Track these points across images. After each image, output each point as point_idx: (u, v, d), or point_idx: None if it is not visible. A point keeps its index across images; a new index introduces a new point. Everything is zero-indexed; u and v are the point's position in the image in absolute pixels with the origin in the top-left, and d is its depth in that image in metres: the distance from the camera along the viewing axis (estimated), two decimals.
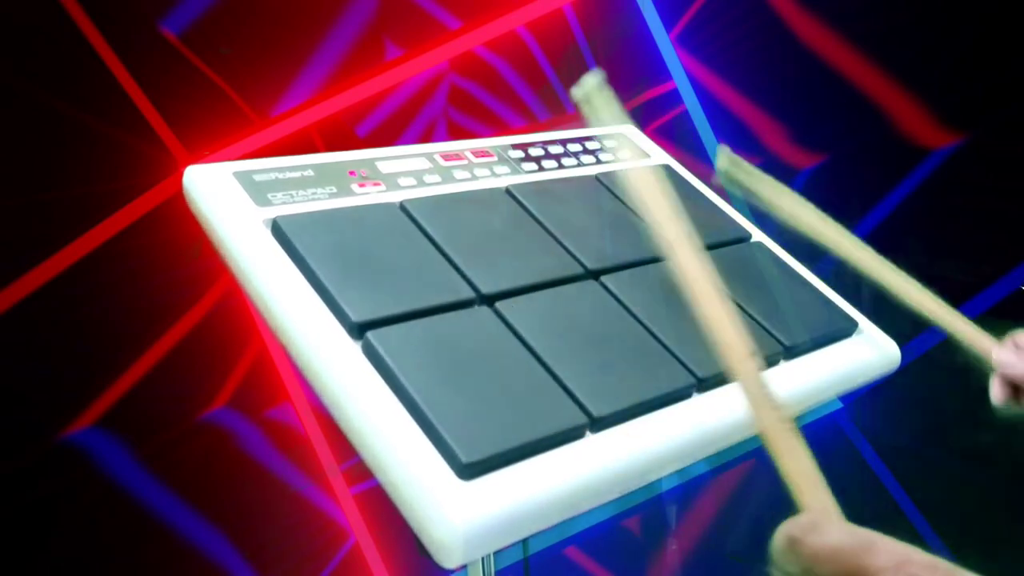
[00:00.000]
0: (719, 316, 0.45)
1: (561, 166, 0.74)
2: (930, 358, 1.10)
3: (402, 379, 0.47)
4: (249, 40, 0.99)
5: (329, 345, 0.50)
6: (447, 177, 0.66)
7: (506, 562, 0.84)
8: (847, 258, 0.64)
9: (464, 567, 0.58)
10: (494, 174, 0.69)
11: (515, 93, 1.23)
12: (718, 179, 0.72)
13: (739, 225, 0.77)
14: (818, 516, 0.34)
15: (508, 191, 0.67)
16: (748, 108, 1.26)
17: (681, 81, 1.28)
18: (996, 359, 0.56)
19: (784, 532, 0.33)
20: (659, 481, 0.53)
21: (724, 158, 0.72)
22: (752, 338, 0.62)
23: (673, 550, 1.34)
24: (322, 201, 0.59)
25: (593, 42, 1.30)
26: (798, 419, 0.41)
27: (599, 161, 0.77)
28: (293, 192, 0.59)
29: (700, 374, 0.57)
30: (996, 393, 0.56)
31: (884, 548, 0.30)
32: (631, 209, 0.71)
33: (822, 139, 1.22)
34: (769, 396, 0.41)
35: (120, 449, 0.92)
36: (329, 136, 1.05)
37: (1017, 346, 0.56)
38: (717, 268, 0.67)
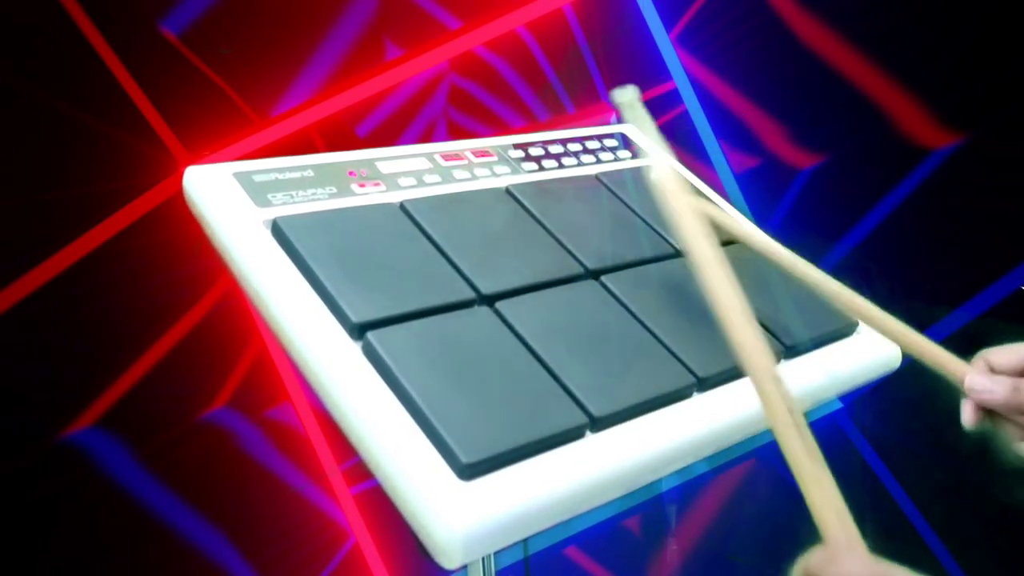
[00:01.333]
0: (759, 359, 0.44)
1: (561, 166, 0.74)
2: None
3: (402, 379, 0.47)
4: (249, 40, 0.99)
5: (329, 345, 0.50)
6: (447, 177, 0.66)
7: (506, 562, 0.84)
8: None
9: (464, 567, 0.58)
10: (494, 174, 0.69)
11: (515, 93, 1.23)
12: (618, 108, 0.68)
13: None
14: (837, 549, 0.34)
15: (508, 191, 0.67)
16: (748, 108, 1.26)
17: (681, 81, 1.28)
18: (968, 385, 0.52)
19: (803, 565, 0.33)
20: (659, 481, 0.53)
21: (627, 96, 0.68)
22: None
23: (673, 550, 1.34)
24: (322, 201, 0.59)
25: (593, 42, 1.30)
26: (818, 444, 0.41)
27: (599, 161, 0.77)
28: (293, 192, 0.59)
29: (700, 374, 0.57)
30: (968, 418, 0.53)
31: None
32: (631, 209, 0.71)
33: (822, 139, 1.22)
34: (800, 420, 0.40)
35: (120, 449, 0.92)
36: (329, 136, 1.05)
37: (991, 367, 0.52)
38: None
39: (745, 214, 0.79)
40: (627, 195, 0.73)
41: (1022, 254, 1.07)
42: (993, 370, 0.52)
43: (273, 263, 0.54)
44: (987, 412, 0.53)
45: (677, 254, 0.69)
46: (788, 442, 0.39)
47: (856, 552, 0.34)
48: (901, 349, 0.55)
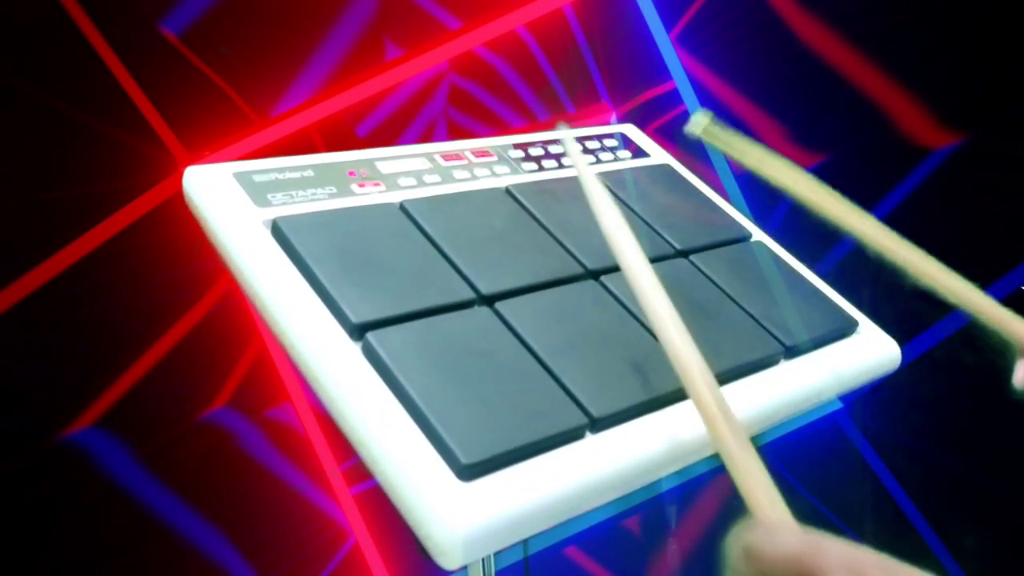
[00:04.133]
0: (669, 327, 0.44)
1: (561, 166, 0.74)
2: (930, 358, 1.10)
3: (402, 380, 0.47)
4: (249, 40, 0.99)
5: (329, 346, 0.50)
6: (447, 177, 0.66)
7: (506, 562, 0.84)
8: (855, 232, 0.60)
9: (464, 568, 0.58)
10: (494, 174, 0.69)
11: (515, 93, 1.23)
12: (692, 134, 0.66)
13: (739, 224, 0.77)
14: (771, 525, 0.35)
15: (508, 191, 0.67)
16: (748, 108, 1.26)
17: (681, 81, 1.28)
18: None
19: (740, 541, 0.34)
20: (659, 481, 0.53)
21: (701, 120, 0.66)
22: (751, 339, 0.62)
23: (673, 550, 1.34)
24: (322, 201, 0.59)
25: (593, 42, 1.30)
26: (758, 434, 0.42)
27: (599, 161, 0.77)
28: (293, 193, 0.59)
29: None
30: (1020, 378, 0.52)
31: (834, 550, 0.31)
32: (631, 209, 0.71)
33: (822, 139, 1.22)
34: (724, 407, 0.41)
35: (120, 449, 0.92)
36: (329, 136, 1.05)
37: None
38: (717, 268, 0.68)
39: (745, 214, 0.79)
40: (627, 195, 0.73)
41: (1022, 254, 1.07)
42: None
43: (273, 263, 0.54)
44: None
45: (677, 254, 0.69)
46: (717, 429, 0.40)
47: (790, 527, 0.35)
48: (956, 304, 0.54)
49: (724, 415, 0.41)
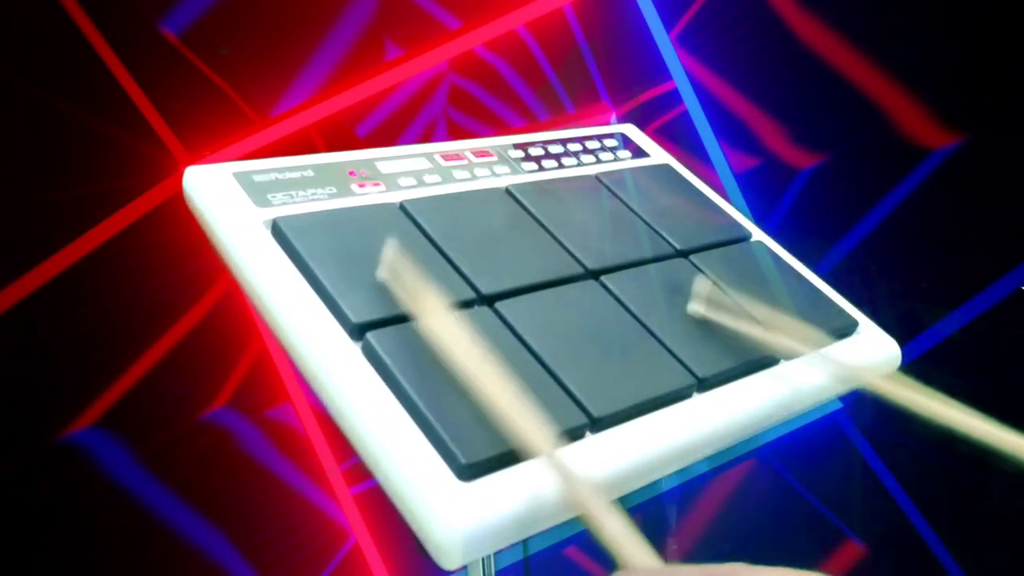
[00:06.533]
0: (501, 394, 0.45)
1: (561, 166, 0.74)
2: (930, 358, 1.10)
3: (402, 380, 0.47)
4: (249, 40, 0.99)
5: (329, 346, 0.50)
6: (447, 177, 0.66)
7: (506, 562, 0.84)
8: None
9: (464, 567, 0.58)
10: (494, 174, 0.69)
11: (515, 93, 1.23)
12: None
13: (739, 224, 0.77)
14: (634, 568, 0.37)
15: (508, 191, 0.67)
16: (748, 108, 1.26)
17: (681, 81, 1.28)
18: None
19: None
20: (659, 481, 0.53)
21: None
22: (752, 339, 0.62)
23: (673, 550, 1.34)
24: (322, 201, 0.59)
25: (593, 42, 1.30)
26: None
27: (599, 161, 0.77)
28: (293, 193, 0.59)
29: (700, 374, 0.57)
30: None
31: (683, 573, 0.33)
32: (631, 209, 0.72)
33: (822, 139, 1.22)
34: (575, 476, 0.42)
35: (120, 449, 0.92)
36: (329, 136, 1.05)
37: None
38: (717, 268, 0.68)
39: (745, 214, 0.79)
40: (627, 195, 0.73)
41: (1022, 254, 1.07)
42: None
43: (273, 263, 0.54)
44: None
45: (677, 254, 0.69)
46: (576, 497, 0.41)
47: (650, 567, 0.37)
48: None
49: (577, 482, 0.41)
